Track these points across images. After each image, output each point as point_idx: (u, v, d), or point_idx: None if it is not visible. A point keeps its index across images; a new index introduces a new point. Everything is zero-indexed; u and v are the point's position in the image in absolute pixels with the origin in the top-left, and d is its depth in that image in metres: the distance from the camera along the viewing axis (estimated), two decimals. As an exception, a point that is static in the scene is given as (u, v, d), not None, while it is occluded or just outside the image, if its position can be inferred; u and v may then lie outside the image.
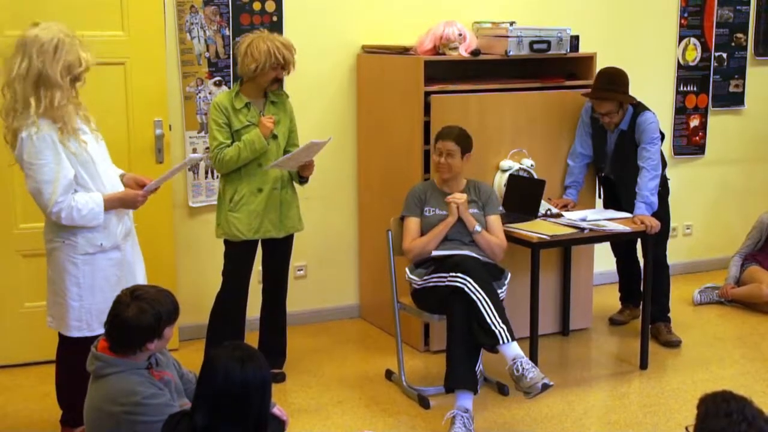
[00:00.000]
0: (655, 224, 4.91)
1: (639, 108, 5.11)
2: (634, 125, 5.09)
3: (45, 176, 3.63)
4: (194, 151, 5.24)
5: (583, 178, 5.36)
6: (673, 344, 5.34)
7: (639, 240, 5.31)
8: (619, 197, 5.25)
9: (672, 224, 5.73)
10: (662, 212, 5.27)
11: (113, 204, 3.82)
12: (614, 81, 5.06)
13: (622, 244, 5.55)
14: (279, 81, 4.60)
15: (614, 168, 5.28)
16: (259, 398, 2.84)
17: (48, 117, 3.64)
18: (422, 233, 4.61)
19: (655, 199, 5.02)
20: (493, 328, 4.16)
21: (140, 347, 3.13)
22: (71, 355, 3.86)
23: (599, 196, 5.48)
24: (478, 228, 4.56)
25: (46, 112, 3.63)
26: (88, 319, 3.79)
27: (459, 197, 4.56)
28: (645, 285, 5.03)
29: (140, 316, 3.08)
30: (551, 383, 4.11)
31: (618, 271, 5.76)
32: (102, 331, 3.72)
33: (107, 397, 3.09)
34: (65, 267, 3.77)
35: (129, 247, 3.93)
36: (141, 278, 3.96)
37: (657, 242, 5.22)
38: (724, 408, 2.41)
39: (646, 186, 5.01)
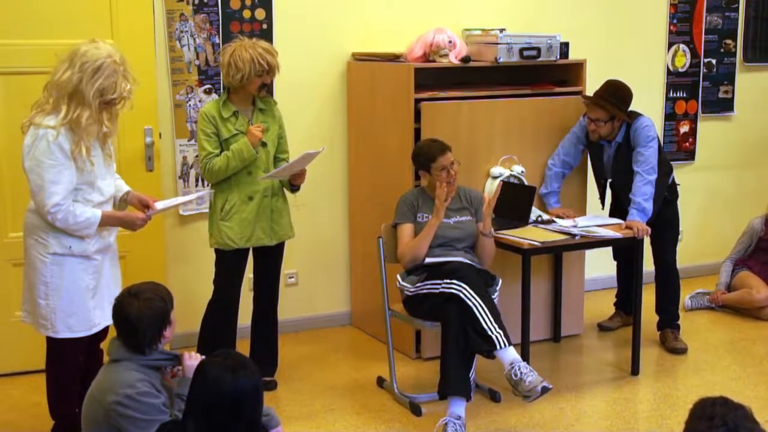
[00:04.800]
0: (644, 229, 4.91)
1: (633, 116, 5.12)
2: (629, 136, 5.10)
3: (53, 177, 3.69)
4: (184, 159, 5.23)
5: (560, 186, 5.31)
6: (679, 351, 5.31)
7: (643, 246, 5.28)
8: (624, 206, 5.19)
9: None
10: (672, 217, 5.27)
11: (112, 222, 3.90)
12: (615, 94, 5.07)
13: (623, 251, 5.55)
14: (266, 86, 4.60)
15: (615, 180, 5.29)
16: (250, 406, 2.85)
17: (70, 128, 3.71)
18: (415, 240, 4.61)
19: (648, 205, 5.00)
20: (490, 333, 4.16)
21: (159, 337, 3.19)
22: (55, 356, 3.92)
23: (602, 206, 5.45)
24: (492, 231, 4.57)
25: (71, 123, 3.70)
26: (53, 319, 3.82)
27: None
28: (636, 291, 5.01)
29: (150, 306, 3.17)
30: (550, 386, 4.12)
31: (618, 278, 5.76)
32: (67, 335, 3.80)
33: (107, 385, 3.14)
34: (35, 265, 3.83)
35: (107, 263, 3.95)
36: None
37: (666, 248, 5.22)
38: (708, 412, 2.40)
39: (640, 191, 5.00)
